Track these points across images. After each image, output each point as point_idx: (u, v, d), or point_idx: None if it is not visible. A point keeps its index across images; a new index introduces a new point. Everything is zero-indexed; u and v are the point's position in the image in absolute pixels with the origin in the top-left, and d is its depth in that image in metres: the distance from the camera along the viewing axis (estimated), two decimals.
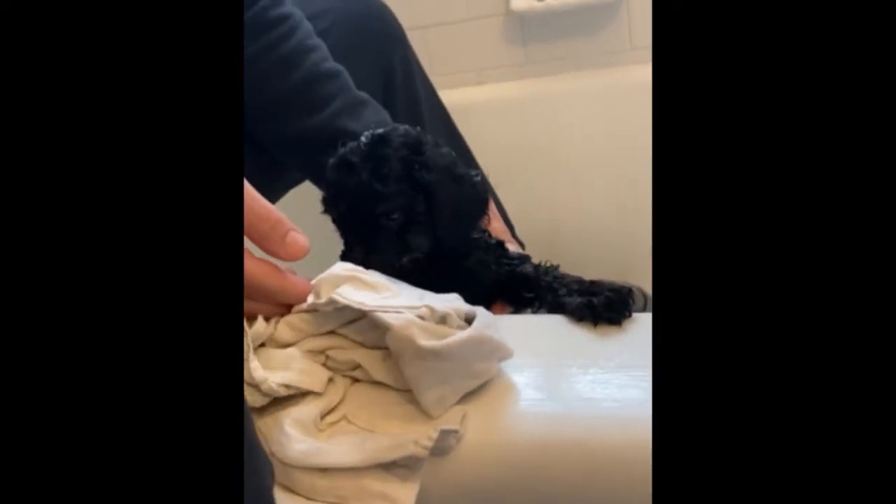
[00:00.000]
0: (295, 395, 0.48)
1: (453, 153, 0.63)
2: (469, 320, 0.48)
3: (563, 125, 1.22)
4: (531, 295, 0.60)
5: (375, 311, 0.45)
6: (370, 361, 0.49)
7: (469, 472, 0.45)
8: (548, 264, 0.65)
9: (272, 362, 0.48)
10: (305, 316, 0.50)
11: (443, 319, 0.46)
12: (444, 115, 0.98)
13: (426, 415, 0.45)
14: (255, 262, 0.48)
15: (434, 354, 0.43)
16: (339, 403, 0.48)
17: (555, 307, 0.57)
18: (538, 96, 1.24)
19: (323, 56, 0.76)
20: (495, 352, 0.48)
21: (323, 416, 0.47)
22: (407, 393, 0.48)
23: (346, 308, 0.46)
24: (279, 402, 0.48)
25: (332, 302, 0.46)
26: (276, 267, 0.49)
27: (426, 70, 0.96)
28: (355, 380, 0.51)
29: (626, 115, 1.18)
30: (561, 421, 0.45)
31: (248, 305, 0.49)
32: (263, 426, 0.47)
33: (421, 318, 0.45)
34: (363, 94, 0.77)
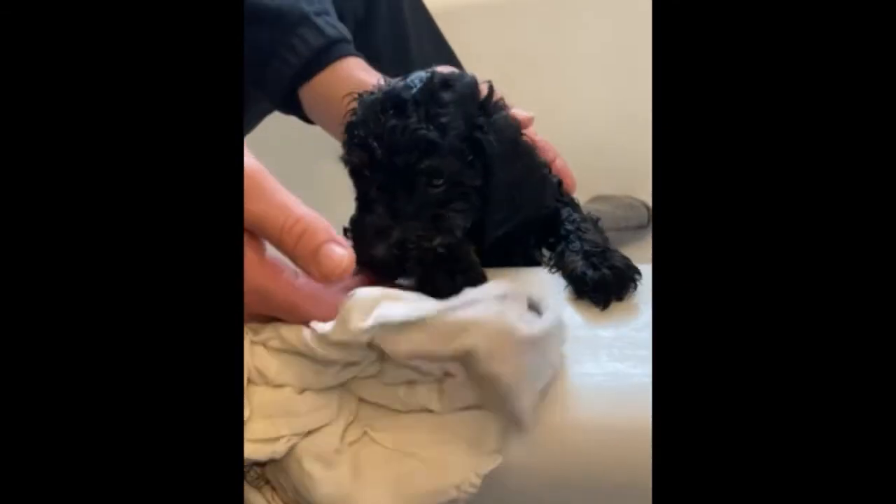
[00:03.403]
0: None
1: (518, 120, 0.52)
2: (532, 306, 0.40)
3: (564, 29, 1.12)
4: (552, 240, 0.52)
5: (444, 311, 0.36)
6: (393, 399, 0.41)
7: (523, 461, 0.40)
8: (574, 211, 0.55)
9: (268, 408, 0.39)
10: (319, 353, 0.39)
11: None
12: (429, 22, 0.90)
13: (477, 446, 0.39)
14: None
15: (533, 344, 0.37)
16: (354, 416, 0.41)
17: (559, 264, 0.49)
18: None
19: None
20: (564, 337, 0.41)
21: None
22: None
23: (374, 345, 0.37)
24: None
25: (371, 329, 0.36)
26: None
27: None
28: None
29: (635, 15, 1.08)
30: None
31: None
32: (285, 464, 0.40)
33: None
34: None
